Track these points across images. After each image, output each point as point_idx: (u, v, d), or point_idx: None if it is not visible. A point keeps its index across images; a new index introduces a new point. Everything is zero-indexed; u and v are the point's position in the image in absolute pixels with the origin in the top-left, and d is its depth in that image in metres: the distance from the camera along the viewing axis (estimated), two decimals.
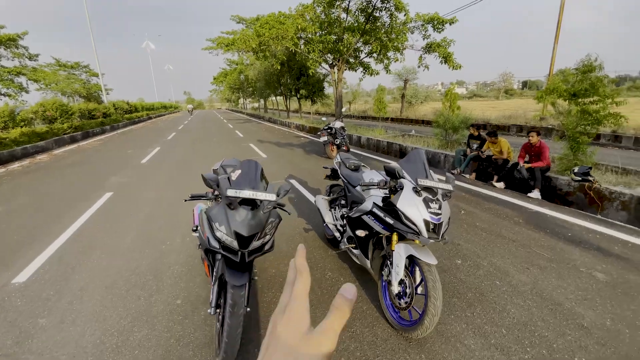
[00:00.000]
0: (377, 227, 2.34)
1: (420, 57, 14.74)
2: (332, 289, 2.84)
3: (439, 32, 13.71)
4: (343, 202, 3.37)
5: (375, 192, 2.57)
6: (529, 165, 5.64)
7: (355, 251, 2.83)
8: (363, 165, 3.49)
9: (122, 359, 2.13)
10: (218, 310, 2.03)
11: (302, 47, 14.72)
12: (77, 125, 15.15)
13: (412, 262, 2.27)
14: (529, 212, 4.68)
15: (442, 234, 2.12)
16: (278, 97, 28.61)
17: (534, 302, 2.63)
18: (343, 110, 13.15)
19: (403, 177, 2.23)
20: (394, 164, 2.38)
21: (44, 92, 27.63)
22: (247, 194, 1.90)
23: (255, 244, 1.96)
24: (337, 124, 9.50)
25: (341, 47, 13.89)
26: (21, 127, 11.26)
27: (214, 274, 2.06)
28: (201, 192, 2.26)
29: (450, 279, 2.97)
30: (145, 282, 3.03)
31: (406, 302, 2.22)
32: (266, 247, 2.04)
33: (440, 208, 2.11)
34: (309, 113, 28.10)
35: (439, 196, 2.17)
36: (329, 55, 15.24)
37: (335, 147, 9.21)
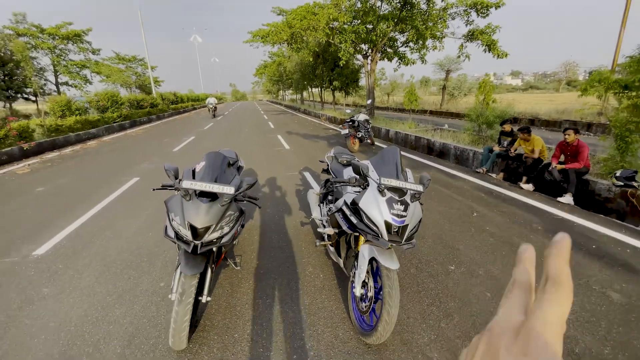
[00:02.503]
0: (344, 225, 2.25)
1: (461, 45, 13.82)
2: (309, 286, 2.80)
3: (484, 17, 12.70)
4: (331, 197, 3.28)
5: (352, 189, 2.46)
6: (562, 166, 5.06)
7: (331, 248, 2.76)
8: (357, 161, 3.36)
9: (97, 332, 2.30)
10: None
11: (335, 38, 14.49)
12: (125, 115, 16.48)
13: (377, 264, 2.15)
14: (553, 219, 4.21)
15: (407, 238, 1.98)
16: (314, 89, 28.61)
17: None
18: (368, 102, 12.80)
19: (368, 176, 2.11)
20: (362, 162, 2.27)
21: (106, 84, 30.45)
22: (201, 186, 1.93)
23: (211, 236, 1.98)
24: (361, 117, 9.27)
25: (374, 37, 13.45)
26: (76, 115, 12.51)
27: (177, 261, 2.13)
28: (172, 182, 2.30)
29: (434, 285, 2.78)
30: (139, 263, 3.23)
31: (366, 306, 2.12)
32: (224, 240, 2.06)
33: (405, 210, 1.97)
34: (345, 105, 27.76)
35: (407, 197, 2.02)
36: (362, 45, 14.86)
37: (357, 140, 9.02)
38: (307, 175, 6.42)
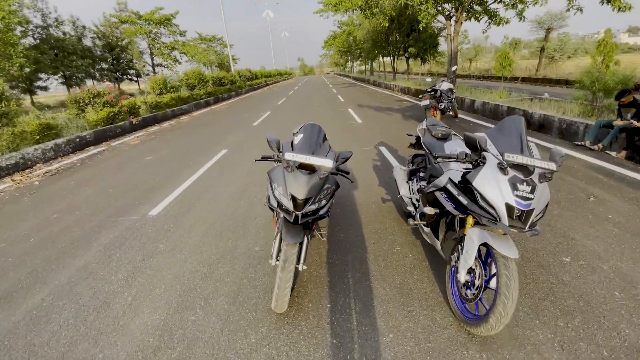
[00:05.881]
0: (449, 206, 2.05)
1: None
2: (398, 265, 2.71)
3: None
4: (422, 174, 3.05)
5: (456, 166, 2.22)
6: None
7: (426, 229, 2.58)
8: (454, 134, 3.03)
9: (206, 287, 2.58)
10: (277, 262, 2.18)
11: None
12: (210, 92, 17.88)
13: (487, 250, 1.93)
14: None
15: (532, 224, 1.72)
16: (386, 58, 27.09)
17: None
18: (452, 69, 11.59)
19: (486, 150, 1.85)
20: (477, 133, 1.99)
21: (190, 63, 33.40)
22: (303, 158, 1.91)
23: (310, 207, 1.99)
24: (445, 85, 8.47)
25: None
26: (171, 93, 13.97)
27: (277, 229, 2.22)
28: (271, 154, 2.38)
29: (547, 277, 2.44)
30: (235, 227, 3.52)
31: (473, 294, 1.94)
32: (321, 212, 2.06)
33: (532, 191, 1.69)
34: (421, 74, 25.76)
35: (535, 176, 1.73)
36: (445, 5, 13.31)
37: (438, 112, 8.30)
38: (384, 150, 6.17)
